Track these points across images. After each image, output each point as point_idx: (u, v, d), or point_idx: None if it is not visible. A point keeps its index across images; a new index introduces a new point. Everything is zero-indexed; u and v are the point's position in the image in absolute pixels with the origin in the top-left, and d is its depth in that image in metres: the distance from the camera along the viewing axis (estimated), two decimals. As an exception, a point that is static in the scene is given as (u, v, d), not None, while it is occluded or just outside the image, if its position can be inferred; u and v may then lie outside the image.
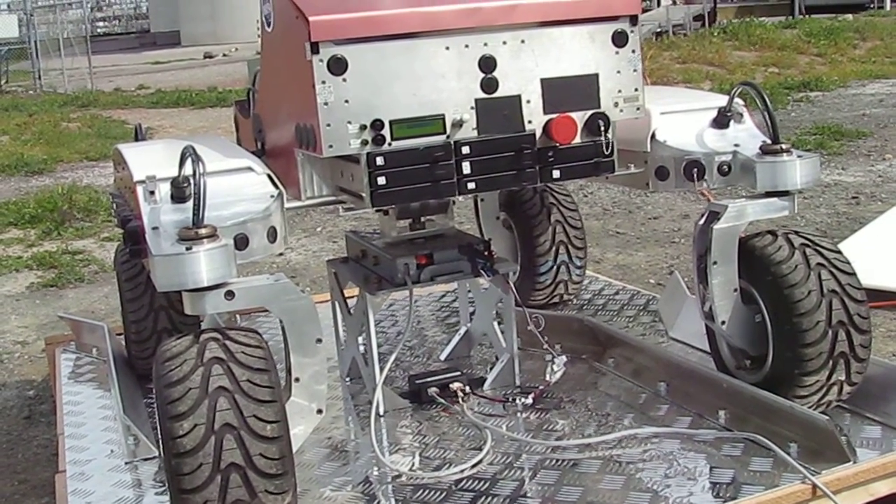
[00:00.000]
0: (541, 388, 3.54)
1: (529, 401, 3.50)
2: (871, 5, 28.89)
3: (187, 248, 2.58)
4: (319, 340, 2.80)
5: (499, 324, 3.73)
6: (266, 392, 2.50)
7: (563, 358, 3.52)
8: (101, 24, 55.99)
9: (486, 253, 3.47)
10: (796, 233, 3.24)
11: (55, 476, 3.29)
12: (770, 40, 20.43)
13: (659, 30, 24.80)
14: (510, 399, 3.54)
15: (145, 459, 3.28)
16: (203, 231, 2.61)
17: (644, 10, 27.24)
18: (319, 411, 2.84)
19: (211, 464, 2.41)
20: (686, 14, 26.13)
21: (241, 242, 2.75)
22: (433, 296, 4.92)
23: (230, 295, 2.66)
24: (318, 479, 3.08)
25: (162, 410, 2.49)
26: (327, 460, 3.22)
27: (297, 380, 2.81)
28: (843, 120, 12.07)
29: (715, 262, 3.21)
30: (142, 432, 3.37)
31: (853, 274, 3.17)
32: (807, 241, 3.20)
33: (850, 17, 24.30)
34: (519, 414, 3.46)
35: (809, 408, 3.11)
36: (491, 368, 3.72)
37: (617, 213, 8.10)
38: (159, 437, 2.64)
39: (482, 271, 3.45)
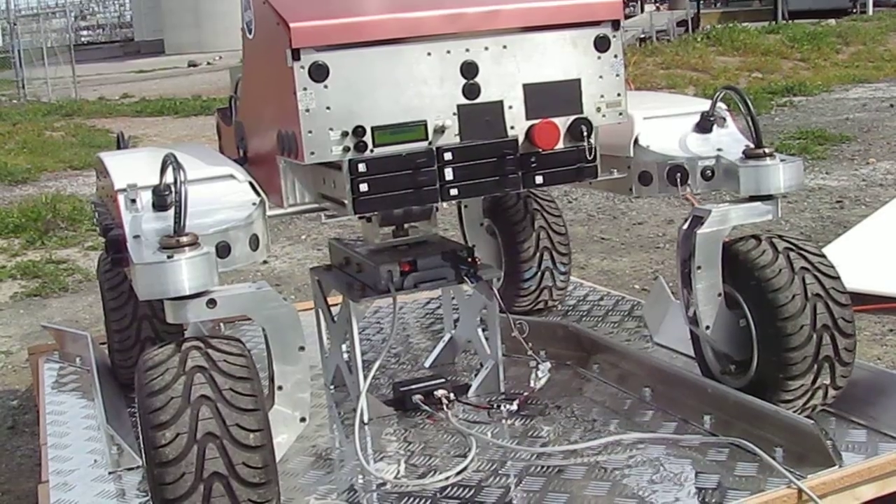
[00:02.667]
0: (525, 394, 3.53)
1: (514, 407, 3.48)
2: (854, 10, 29.02)
3: (168, 257, 2.56)
4: (302, 348, 2.79)
5: (483, 330, 3.72)
6: (248, 401, 2.49)
7: (548, 364, 3.51)
8: (84, 33, 55.96)
9: (469, 259, 3.46)
10: (780, 237, 3.24)
11: (38, 486, 3.27)
12: (753, 45, 20.52)
13: (642, 35, 24.88)
14: (495, 406, 3.52)
15: (129, 469, 3.26)
16: (184, 239, 2.59)
17: (627, 16, 27.28)
18: (303, 419, 2.83)
19: (194, 473, 2.39)
20: (670, 20, 26.21)
21: (223, 250, 2.73)
22: (417, 303, 4.91)
23: (212, 303, 2.65)
24: (302, 487, 3.07)
25: (144, 420, 2.48)
26: (311, 469, 3.20)
27: (280, 388, 2.79)
28: (826, 124, 12.11)
29: (699, 267, 3.20)
30: (125, 442, 3.36)
31: (837, 278, 3.17)
32: (791, 246, 3.19)
33: (832, 22, 24.41)
34: (504, 420, 3.45)
35: (795, 412, 3.11)
36: (475, 375, 3.72)
37: (601, 218, 8.10)
38: (142, 446, 2.62)
39: (466, 278, 3.44)
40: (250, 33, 3.23)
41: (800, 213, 7.77)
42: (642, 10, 29.60)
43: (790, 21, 26.31)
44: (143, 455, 2.58)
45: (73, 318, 6.43)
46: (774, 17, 28.03)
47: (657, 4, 30.79)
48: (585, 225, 7.94)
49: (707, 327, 3.26)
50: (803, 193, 8.41)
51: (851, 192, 8.45)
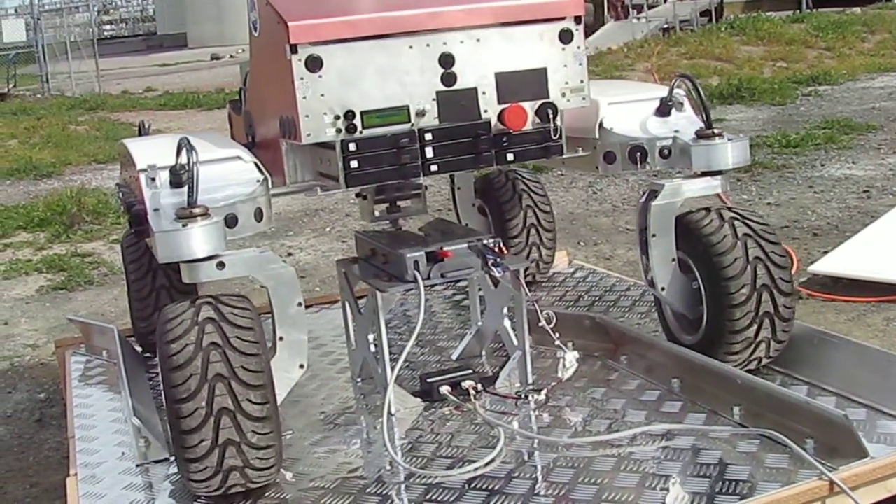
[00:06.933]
0: (553, 385, 3.52)
1: (542, 398, 3.48)
2: (879, -2, 28.78)
3: (183, 225, 2.94)
4: (300, 304, 3.16)
5: (511, 321, 3.71)
6: (252, 346, 2.88)
7: (575, 354, 3.51)
8: (107, 27, 56.20)
9: (496, 249, 3.46)
10: (728, 209, 3.58)
11: (66, 479, 3.28)
12: (778, 35, 20.35)
13: (666, 25, 24.77)
14: (522, 396, 3.52)
15: (157, 461, 3.28)
16: (197, 210, 2.97)
17: (651, 6, 27.19)
18: (301, 366, 3.20)
19: (205, 408, 2.80)
20: (693, 9, 26.05)
21: (231, 221, 3.12)
22: (444, 294, 4.90)
23: (221, 265, 3.02)
24: (330, 479, 3.07)
25: (163, 363, 2.87)
26: (340, 461, 3.21)
27: (281, 339, 3.16)
28: (852, 114, 12.02)
29: (654, 235, 3.56)
30: (153, 434, 3.36)
31: (777, 243, 3.51)
32: (736, 216, 3.53)
33: (857, 10, 24.20)
34: (531, 412, 3.45)
35: (740, 366, 3.47)
36: (503, 366, 3.70)
37: (627, 209, 8.06)
38: (162, 386, 2.94)
39: (493, 268, 3.44)
40: (256, 31, 3.58)
41: (826, 203, 7.72)
42: (665, 0, 29.45)
43: (815, 10, 26.12)
44: (163, 394, 2.96)
45: (99, 311, 6.45)
46: (798, 5, 27.81)
47: (680, -6, 30.60)
48: (610, 216, 7.91)
49: (662, 289, 3.62)
50: (830, 183, 8.36)
51: (878, 181, 8.38)
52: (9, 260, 7.97)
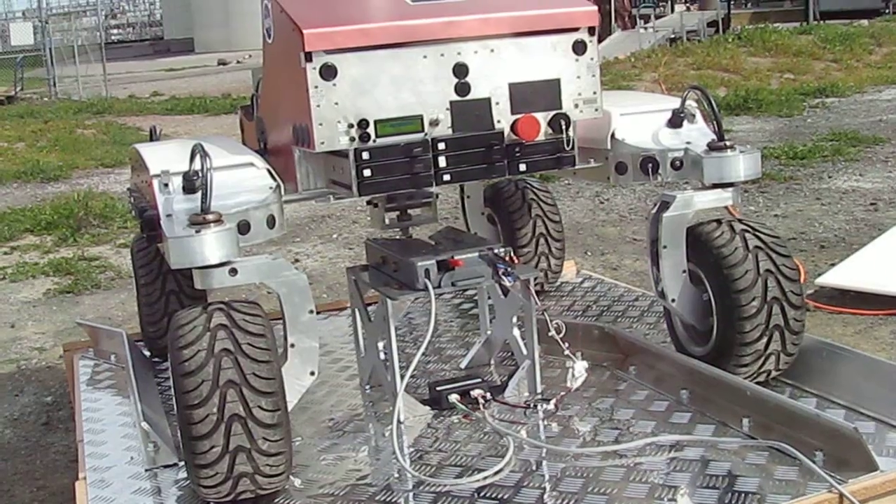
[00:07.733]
0: (562, 394, 3.52)
1: (551, 407, 3.48)
2: (887, 11, 28.82)
3: (196, 231, 2.96)
4: (312, 311, 3.17)
5: (520, 330, 3.71)
6: (263, 353, 2.88)
7: (584, 364, 3.50)
8: (115, 31, 56.34)
9: (507, 259, 3.45)
10: (739, 221, 3.58)
11: (75, 483, 3.27)
12: (785, 46, 20.38)
13: (673, 36, 24.81)
14: (531, 406, 3.52)
15: (166, 466, 3.28)
16: (210, 217, 2.99)
17: (658, 17, 27.25)
18: (312, 373, 3.22)
19: (216, 415, 2.79)
20: (700, 20, 26.13)
21: (244, 227, 3.13)
22: (452, 302, 4.90)
23: (234, 272, 3.04)
24: (339, 487, 3.07)
25: (175, 369, 2.86)
26: (348, 468, 3.20)
27: (292, 346, 3.17)
28: (859, 126, 12.03)
29: (665, 247, 3.56)
30: (162, 439, 3.36)
31: (788, 256, 3.51)
32: (747, 228, 3.52)
33: (865, 22, 24.23)
34: (540, 421, 3.44)
35: (747, 377, 3.44)
36: (512, 375, 3.70)
37: (634, 219, 8.07)
38: (173, 392, 2.92)
39: (504, 277, 3.43)
40: (270, 38, 3.59)
41: (833, 216, 7.72)
42: (673, 11, 29.49)
43: (822, 22, 26.15)
44: (174, 399, 2.95)
45: (106, 314, 6.46)
46: (806, 17, 27.87)
47: (688, 5, 30.67)
48: (618, 226, 7.92)
49: (672, 300, 3.62)
50: (837, 195, 8.36)
51: (885, 194, 8.39)
52: (16, 263, 8.00)
